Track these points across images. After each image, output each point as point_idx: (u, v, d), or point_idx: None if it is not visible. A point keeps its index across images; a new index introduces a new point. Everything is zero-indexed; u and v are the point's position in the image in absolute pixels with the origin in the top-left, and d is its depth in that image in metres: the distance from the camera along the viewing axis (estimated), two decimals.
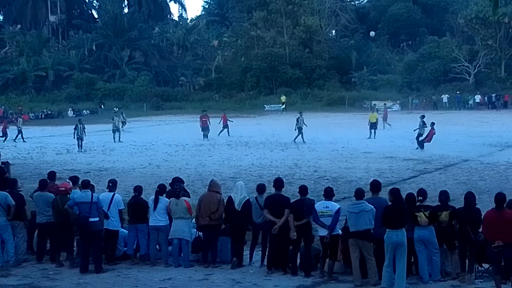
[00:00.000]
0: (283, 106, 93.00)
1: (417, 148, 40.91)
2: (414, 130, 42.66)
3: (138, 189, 17.60)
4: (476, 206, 14.89)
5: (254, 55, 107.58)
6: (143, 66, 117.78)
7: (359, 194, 15.17)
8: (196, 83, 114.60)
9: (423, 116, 43.46)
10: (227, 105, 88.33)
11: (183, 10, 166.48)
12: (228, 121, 56.07)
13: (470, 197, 14.98)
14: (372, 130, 49.69)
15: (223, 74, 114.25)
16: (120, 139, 52.01)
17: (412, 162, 36.06)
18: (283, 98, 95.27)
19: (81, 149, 45.92)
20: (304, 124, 48.37)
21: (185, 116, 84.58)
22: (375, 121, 50.20)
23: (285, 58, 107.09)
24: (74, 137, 47.14)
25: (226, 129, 55.05)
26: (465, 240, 14.70)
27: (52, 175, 19.14)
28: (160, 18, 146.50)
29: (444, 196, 15.38)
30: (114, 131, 52.30)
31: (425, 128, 42.03)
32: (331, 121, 48.80)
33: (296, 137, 47.85)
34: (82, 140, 46.41)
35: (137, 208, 17.17)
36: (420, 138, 41.43)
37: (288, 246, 15.87)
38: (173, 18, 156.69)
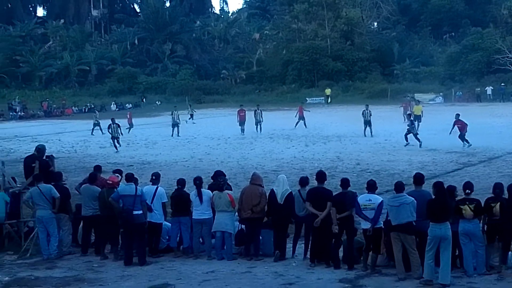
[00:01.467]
0: (328, 99, 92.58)
1: (405, 145, 39.81)
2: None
3: (181, 182, 17.66)
4: None
5: (296, 48, 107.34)
6: (185, 60, 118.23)
7: (399, 187, 15.07)
8: (237, 76, 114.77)
9: (410, 115, 44.02)
10: (268, 98, 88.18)
11: (224, 3, 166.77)
12: (304, 112, 56.36)
13: None
14: (416, 123, 49.00)
15: (265, 67, 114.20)
16: (179, 134, 51.54)
17: (456, 154, 35.73)
18: (327, 91, 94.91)
19: (117, 149, 43.32)
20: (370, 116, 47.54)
21: (226, 109, 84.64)
22: (419, 113, 49.68)
23: (327, 50, 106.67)
24: (102, 133, 47.77)
25: (302, 121, 55.33)
26: (509, 232, 14.55)
27: (97, 168, 19.33)
28: (202, 12, 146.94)
29: (498, 188, 15.11)
30: (173, 126, 51.98)
31: (413, 127, 41.38)
32: (373, 114, 48.44)
33: (365, 130, 47.08)
34: (117, 139, 44.80)
35: (180, 201, 17.25)
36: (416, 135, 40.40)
37: (330, 239, 15.82)
38: (215, 12, 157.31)
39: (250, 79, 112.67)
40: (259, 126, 52.45)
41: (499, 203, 14.72)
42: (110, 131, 44.45)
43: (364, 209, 15.23)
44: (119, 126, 45.00)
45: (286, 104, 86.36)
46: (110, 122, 44.79)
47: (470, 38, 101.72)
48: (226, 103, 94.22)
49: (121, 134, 45.33)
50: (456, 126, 39.64)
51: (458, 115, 40.55)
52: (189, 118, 65.24)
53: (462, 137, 38.92)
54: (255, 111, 52.69)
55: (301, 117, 55.65)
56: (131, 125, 56.31)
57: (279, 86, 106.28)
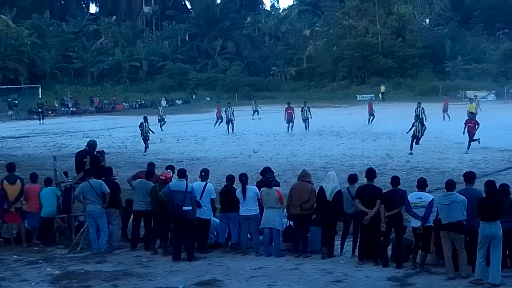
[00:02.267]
0: (383, 96, 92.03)
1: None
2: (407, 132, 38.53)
3: (230, 178, 17.72)
4: None
5: (346, 45, 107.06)
6: (235, 56, 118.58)
7: (450, 185, 14.90)
8: (287, 72, 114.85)
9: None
10: (318, 95, 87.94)
11: (275, 0, 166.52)
12: (373, 110, 56.59)
13: None
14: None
15: (315, 64, 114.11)
16: (234, 131, 51.10)
17: (508, 153, 35.22)
18: (382, 88, 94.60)
19: (146, 151, 39.99)
20: (424, 114, 46.68)
21: (276, 106, 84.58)
22: (474, 111, 48.85)
23: (377, 47, 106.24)
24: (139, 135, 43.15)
25: (372, 117, 55.75)
26: None
27: (152, 165, 19.44)
28: (252, 8, 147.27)
29: None
30: (227, 122, 51.70)
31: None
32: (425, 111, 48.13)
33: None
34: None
35: (228, 197, 17.29)
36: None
37: (379, 237, 15.75)
38: (265, 8, 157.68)
39: (300, 75, 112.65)
40: (307, 123, 51.22)
41: None
42: (141, 129, 41.09)
43: (414, 207, 15.10)
44: (149, 125, 41.79)
45: (336, 101, 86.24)
46: (142, 120, 41.49)
47: None
48: (276, 100, 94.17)
49: (152, 132, 42.36)
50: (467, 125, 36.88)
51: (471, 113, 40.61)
52: (254, 114, 65.25)
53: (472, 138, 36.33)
54: (302, 108, 51.89)
55: (371, 114, 55.64)
56: (220, 118, 56.23)
57: (329, 83, 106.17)
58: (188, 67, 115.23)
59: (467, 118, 37.47)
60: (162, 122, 54.54)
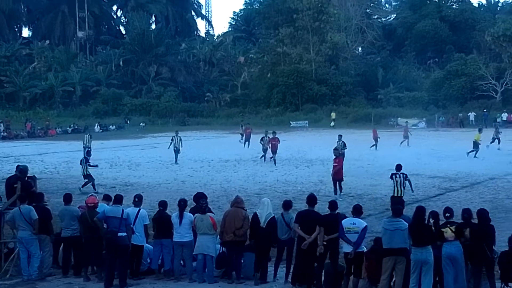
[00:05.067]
0: (332, 123, 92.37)
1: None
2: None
3: (163, 204, 17.66)
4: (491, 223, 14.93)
5: (280, 72, 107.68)
6: (170, 82, 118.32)
7: (397, 211, 15.19)
8: (222, 99, 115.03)
9: (341, 136, 41.93)
10: (252, 121, 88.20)
11: (210, 26, 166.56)
12: (409, 133, 57.96)
13: (483, 214, 14.97)
14: (475, 150, 48.03)
15: (249, 90, 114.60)
16: (177, 161, 47.75)
17: (438, 179, 35.88)
18: (333, 115, 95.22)
19: (176, 161, 46.78)
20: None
21: (211, 132, 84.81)
22: (479, 142, 48.69)
23: (311, 74, 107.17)
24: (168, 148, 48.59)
25: (407, 140, 56.98)
26: (480, 258, 14.64)
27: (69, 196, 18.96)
28: (187, 34, 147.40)
29: (467, 213, 15.30)
30: (176, 152, 48.19)
31: (345, 150, 40.09)
32: (357, 138, 48.70)
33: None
34: (179, 152, 47.38)
35: (162, 223, 17.24)
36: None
37: (314, 262, 15.84)
38: (200, 35, 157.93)
39: (234, 102, 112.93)
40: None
41: (469, 229, 14.82)
42: (172, 143, 47.68)
43: (347, 232, 15.29)
44: (181, 139, 48.25)
45: (271, 128, 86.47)
46: (174, 134, 48.21)
47: (453, 64, 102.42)
48: (211, 126, 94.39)
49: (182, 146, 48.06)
50: None
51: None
52: (242, 138, 64.40)
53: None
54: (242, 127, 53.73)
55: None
56: (247, 139, 58.60)
57: (264, 109, 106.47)
58: (122, 92, 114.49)
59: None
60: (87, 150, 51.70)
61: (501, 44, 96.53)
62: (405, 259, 14.69)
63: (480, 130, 50.71)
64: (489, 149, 50.81)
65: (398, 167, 24.98)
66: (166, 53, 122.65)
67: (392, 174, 24.90)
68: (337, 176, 31.16)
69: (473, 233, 14.69)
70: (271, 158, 46.68)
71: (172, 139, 48.37)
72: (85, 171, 34.33)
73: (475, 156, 46.91)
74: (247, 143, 57.53)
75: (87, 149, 42.98)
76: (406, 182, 24.75)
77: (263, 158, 47.77)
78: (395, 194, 24.38)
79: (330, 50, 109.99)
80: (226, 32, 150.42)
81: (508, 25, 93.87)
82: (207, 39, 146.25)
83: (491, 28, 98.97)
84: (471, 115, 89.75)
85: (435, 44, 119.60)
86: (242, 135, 65.54)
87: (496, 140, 54.11)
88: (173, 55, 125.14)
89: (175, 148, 47.83)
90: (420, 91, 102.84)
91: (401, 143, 56.38)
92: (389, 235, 14.79)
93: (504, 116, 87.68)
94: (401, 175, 24.66)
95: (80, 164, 35.15)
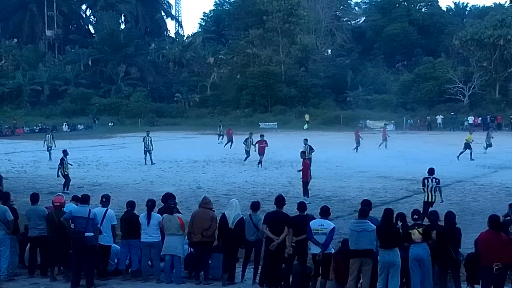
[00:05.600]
0: (306, 125, 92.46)
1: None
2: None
3: (131, 205, 17.59)
4: (457, 226, 15.04)
5: (250, 73, 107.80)
6: (139, 82, 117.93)
7: (363, 213, 15.21)
8: (191, 99, 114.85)
9: (306, 140, 41.02)
10: (223, 122, 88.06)
11: (179, 27, 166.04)
12: (387, 136, 58.21)
13: (450, 217, 15.06)
14: (468, 151, 48.24)
15: (219, 91, 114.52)
16: (152, 161, 47.12)
17: (406, 182, 36.07)
18: (307, 117, 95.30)
19: (152, 162, 46.63)
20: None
21: (179, 132, 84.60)
22: (471, 142, 48.85)
23: (281, 76, 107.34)
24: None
25: (385, 142, 57.20)
26: (446, 260, 14.75)
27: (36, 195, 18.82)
28: (157, 35, 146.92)
29: (434, 215, 15.46)
30: (145, 153, 47.66)
31: (312, 153, 39.29)
32: (326, 140, 48.84)
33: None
34: (150, 152, 46.96)
35: (129, 224, 17.16)
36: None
37: (282, 263, 15.85)
38: (170, 35, 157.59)
39: (204, 102, 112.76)
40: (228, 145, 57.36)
41: (435, 231, 14.92)
42: (144, 144, 47.32)
43: (315, 234, 15.30)
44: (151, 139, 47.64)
45: (240, 129, 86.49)
46: (145, 134, 47.77)
47: (422, 67, 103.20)
48: (180, 126, 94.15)
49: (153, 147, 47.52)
50: None
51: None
52: (219, 138, 66.35)
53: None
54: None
55: (385, 139, 57.03)
56: (230, 140, 59.01)
57: (233, 110, 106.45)
58: (91, 92, 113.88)
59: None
60: (51, 150, 50.70)
61: (469, 48, 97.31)
62: (372, 261, 14.75)
63: (470, 131, 51.18)
64: (486, 155, 50.77)
65: (431, 171, 24.41)
66: (136, 53, 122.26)
67: (424, 179, 24.47)
68: (303, 179, 31.02)
69: (440, 236, 14.78)
70: (259, 162, 44.99)
71: (143, 140, 47.84)
72: (64, 171, 33.87)
73: (471, 159, 47.10)
74: (230, 143, 58.10)
75: (63, 149, 41.93)
76: (437, 187, 24.19)
77: (260, 164, 44.79)
78: (426, 200, 24.08)
79: (300, 52, 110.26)
80: (196, 32, 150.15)
81: (476, 29, 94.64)
82: (177, 40, 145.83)
83: (459, 32, 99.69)
84: (439, 118, 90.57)
85: (404, 47, 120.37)
86: (220, 135, 66.18)
87: (488, 145, 53.40)
88: (142, 55, 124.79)
89: (146, 149, 47.38)
90: (389, 94, 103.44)
91: (379, 145, 56.56)
92: (356, 236, 14.84)
93: (471, 119, 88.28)
94: (434, 179, 24.18)
95: (60, 165, 34.35)
